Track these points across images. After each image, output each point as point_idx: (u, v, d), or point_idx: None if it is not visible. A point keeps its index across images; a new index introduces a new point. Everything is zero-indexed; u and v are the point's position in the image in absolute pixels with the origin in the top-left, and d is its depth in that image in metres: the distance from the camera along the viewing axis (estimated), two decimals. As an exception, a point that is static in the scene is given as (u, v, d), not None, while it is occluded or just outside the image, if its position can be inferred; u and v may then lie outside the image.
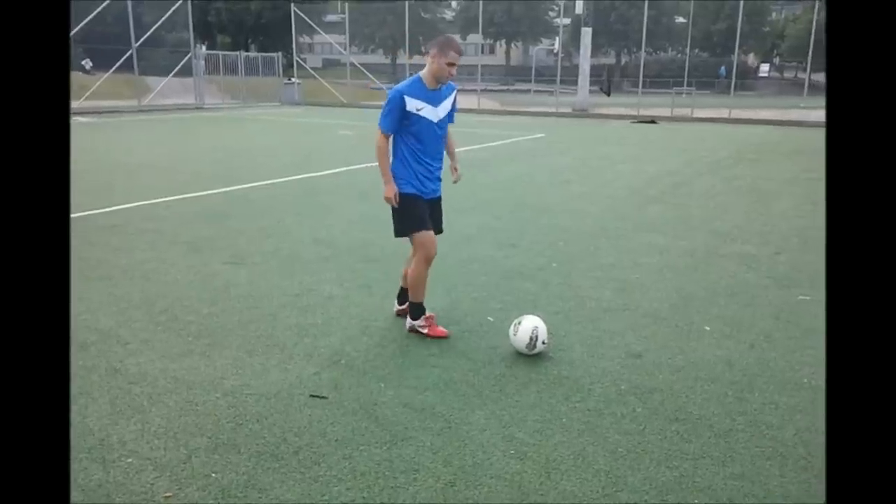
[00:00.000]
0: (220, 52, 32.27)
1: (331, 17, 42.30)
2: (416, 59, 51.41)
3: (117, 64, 25.80)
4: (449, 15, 62.07)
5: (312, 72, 34.67)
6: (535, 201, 8.52)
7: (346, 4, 32.88)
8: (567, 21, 39.76)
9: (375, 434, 2.92)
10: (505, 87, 47.66)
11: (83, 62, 27.73)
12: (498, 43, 65.63)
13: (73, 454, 2.71)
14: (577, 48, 29.10)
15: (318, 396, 3.25)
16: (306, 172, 10.33)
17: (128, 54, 25.61)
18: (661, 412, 3.15)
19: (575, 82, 28.62)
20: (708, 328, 4.23)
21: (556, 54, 34.15)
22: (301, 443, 2.84)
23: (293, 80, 32.14)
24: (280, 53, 33.54)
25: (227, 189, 8.93)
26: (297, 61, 33.53)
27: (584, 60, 27.23)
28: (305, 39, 43.73)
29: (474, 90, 30.39)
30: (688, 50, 33.72)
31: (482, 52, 44.88)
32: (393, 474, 2.63)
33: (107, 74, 25.89)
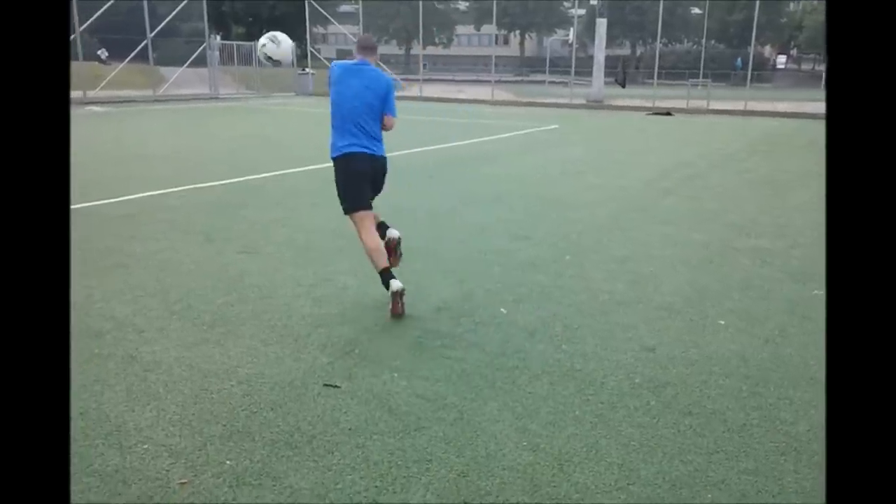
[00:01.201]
0: (235, 43, 32.31)
1: (345, 8, 42.34)
2: (430, 50, 51.39)
3: (132, 54, 25.89)
4: (463, 6, 61.85)
5: (326, 62, 34.63)
6: (548, 193, 8.50)
7: (360, -5, 32.84)
8: (582, 12, 39.54)
9: (388, 424, 2.93)
10: (519, 78, 47.48)
11: (99, 52, 27.84)
12: (512, 34, 65.32)
13: (90, 440, 2.74)
14: (592, 39, 28.98)
15: (331, 386, 3.26)
16: (320, 163, 10.34)
17: (143, 44, 25.69)
18: (674, 406, 3.14)
19: (589, 73, 28.44)
20: (722, 322, 4.21)
21: (571, 45, 33.97)
22: (315, 431, 2.86)
23: (307, 70, 32.16)
24: (294, 44, 33.54)
25: (241, 179, 8.97)
26: (311, 52, 33.54)
27: (599, 51, 27.07)
28: (319, 30, 43.73)
29: (488, 81, 30.26)
30: (704, 41, 33.42)
31: (496, 42, 44.66)
32: (406, 464, 2.64)
33: (122, 64, 25.98)
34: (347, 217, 4.40)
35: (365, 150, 4.24)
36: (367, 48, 4.38)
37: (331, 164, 4.34)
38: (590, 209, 7.55)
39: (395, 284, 4.18)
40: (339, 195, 4.36)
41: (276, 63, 4.57)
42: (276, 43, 4.41)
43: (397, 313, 4.18)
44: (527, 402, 3.14)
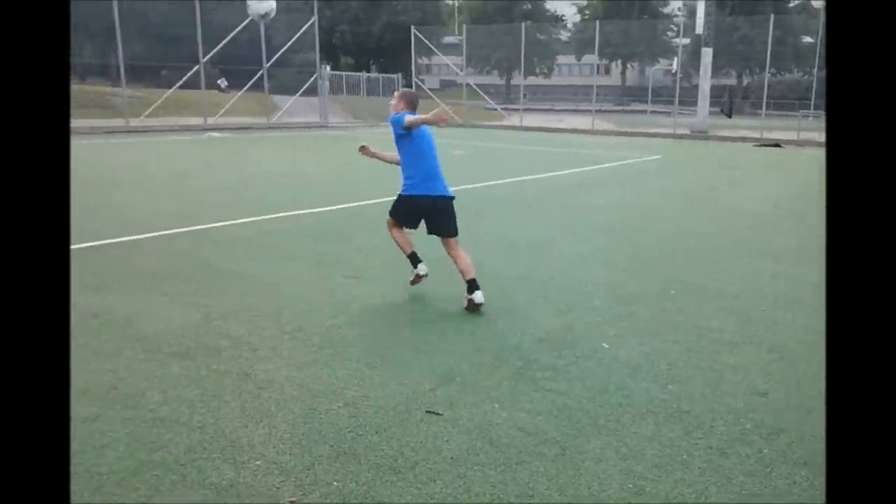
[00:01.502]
0: (344, 73, 33.70)
1: (448, 39, 43.26)
2: (531, 80, 51.45)
3: (249, 83, 27.49)
4: (564, 36, 61.81)
5: (430, 93, 35.47)
6: (651, 224, 8.32)
7: (464, 26, 33.54)
8: (686, 41, 38.69)
9: (490, 455, 2.93)
10: (620, 108, 46.89)
11: (219, 81, 29.78)
12: (614, 63, 64.61)
13: (207, 453, 2.88)
14: (696, 68, 28.30)
15: (433, 413, 3.30)
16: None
17: (259, 74, 27.21)
18: (789, 455, 2.99)
19: (693, 103, 27.78)
20: (842, 368, 3.97)
21: (675, 74, 33.30)
22: (417, 458, 2.90)
23: (411, 101, 33.04)
24: (400, 75, 34.57)
25: (347, 205, 9.28)
26: (415, 82, 34.47)
27: (704, 81, 26.42)
28: (424, 61, 44.87)
29: (588, 111, 30.05)
30: (815, 71, 31.91)
31: (597, 72, 44.32)
32: (507, 498, 2.63)
33: (240, 93, 27.62)
34: (439, 242, 5.16)
35: (430, 193, 5.00)
36: (416, 106, 5.12)
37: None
38: (695, 242, 7.33)
39: (422, 269, 5.19)
40: (393, 204, 5.19)
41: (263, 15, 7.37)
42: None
43: (413, 285, 5.26)
44: (631, 443, 3.07)
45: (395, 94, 5.28)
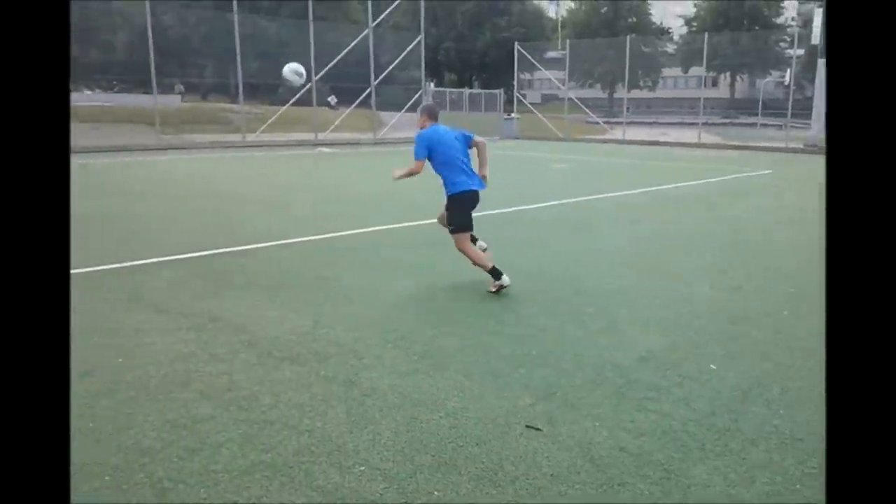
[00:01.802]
0: (447, 90, 34.25)
1: (551, 54, 43.13)
2: (635, 93, 50.43)
3: (358, 100, 28.43)
4: (671, 48, 60.29)
5: (531, 107, 35.46)
6: (761, 242, 7.97)
7: (568, 41, 33.35)
8: (801, 52, 36.89)
9: (590, 474, 2.90)
10: (728, 121, 45.16)
11: (329, 98, 30.97)
12: (722, 75, 62.37)
13: (315, 457, 2.99)
14: (810, 80, 26.91)
15: (533, 428, 3.29)
16: (519, 205, 10.56)
17: (367, 91, 28.10)
18: (917, 492, 2.78)
19: (807, 116, 26.42)
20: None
21: (787, 86, 31.76)
22: (517, 472, 2.90)
23: (513, 115, 33.22)
24: (502, 90, 34.78)
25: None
26: (517, 97, 34.57)
27: (820, 93, 25.04)
28: (525, 76, 44.91)
29: (693, 123, 29.14)
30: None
31: (704, 84, 42.95)
32: (609, 517, 2.59)
33: (349, 109, 28.62)
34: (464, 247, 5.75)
35: (475, 188, 5.66)
36: (437, 116, 5.85)
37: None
38: (808, 262, 6.95)
39: (506, 279, 5.57)
40: (448, 218, 5.76)
41: (290, 83, 8.38)
42: (300, 75, 8.29)
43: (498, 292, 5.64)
44: (740, 469, 2.95)
45: (419, 109, 5.97)
